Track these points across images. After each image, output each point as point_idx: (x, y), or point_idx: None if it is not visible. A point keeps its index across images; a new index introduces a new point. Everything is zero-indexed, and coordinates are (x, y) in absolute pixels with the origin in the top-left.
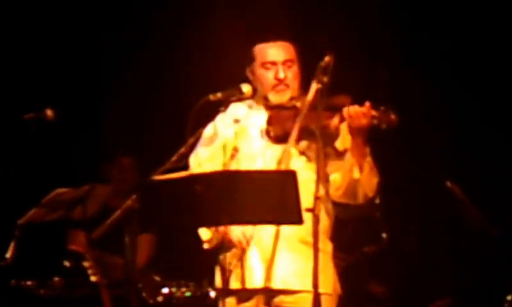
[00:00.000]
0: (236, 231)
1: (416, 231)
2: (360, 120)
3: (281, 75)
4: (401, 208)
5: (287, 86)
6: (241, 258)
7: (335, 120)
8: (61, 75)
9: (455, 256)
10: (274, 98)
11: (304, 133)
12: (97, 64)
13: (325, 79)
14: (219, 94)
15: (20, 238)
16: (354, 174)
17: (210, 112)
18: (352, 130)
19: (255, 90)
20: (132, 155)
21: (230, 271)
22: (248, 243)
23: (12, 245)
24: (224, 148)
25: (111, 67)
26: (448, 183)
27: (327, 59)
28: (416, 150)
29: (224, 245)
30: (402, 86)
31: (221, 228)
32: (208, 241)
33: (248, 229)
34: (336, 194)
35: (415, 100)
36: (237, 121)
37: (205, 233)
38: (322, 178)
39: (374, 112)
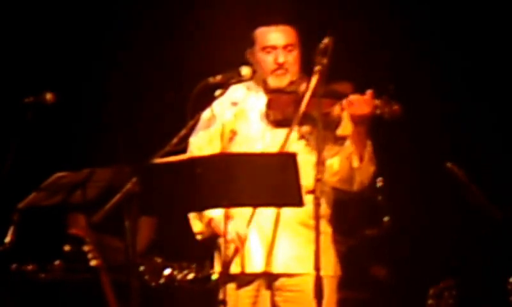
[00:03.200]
0: (231, 233)
1: (418, 213)
2: (361, 109)
3: (281, 60)
4: (403, 191)
5: (287, 70)
6: None
7: (337, 108)
8: (60, 59)
9: (458, 237)
10: (273, 82)
11: (305, 119)
12: (95, 46)
13: (324, 61)
14: (218, 77)
15: (19, 223)
16: (353, 162)
17: (210, 94)
18: (354, 119)
19: (254, 72)
20: (134, 142)
21: (229, 257)
22: (242, 244)
23: (11, 230)
24: (222, 131)
25: (109, 49)
26: (449, 164)
27: (326, 40)
28: (418, 132)
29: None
30: (404, 69)
31: (214, 224)
32: (200, 233)
33: (243, 229)
34: (332, 179)
35: (416, 82)
36: (234, 103)
37: (196, 225)
38: (322, 161)
39: (376, 101)
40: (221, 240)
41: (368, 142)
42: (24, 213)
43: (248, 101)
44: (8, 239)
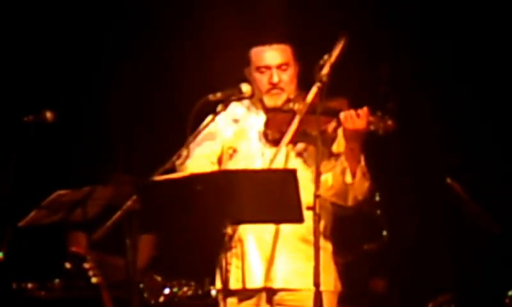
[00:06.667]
0: None
1: (417, 228)
2: (355, 124)
3: (275, 79)
4: (402, 205)
5: (282, 89)
6: (242, 258)
7: (332, 125)
8: (60, 77)
9: (456, 252)
10: (269, 102)
11: (301, 136)
12: (96, 65)
13: (324, 78)
14: (218, 94)
15: (11, 240)
16: (346, 178)
17: (210, 112)
18: (348, 134)
19: (254, 90)
20: (134, 160)
21: (229, 271)
22: None
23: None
24: (222, 146)
25: (110, 68)
26: (449, 180)
27: (326, 57)
28: (417, 147)
29: (225, 244)
30: (403, 82)
31: None
32: None
33: None
34: (326, 194)
35: (415, 97)
36: (236, 121)
37: None
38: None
39: (370, 118)
40: (222, 257)
41: (362, 159)
42: (24, 231)
43: (247, 120)
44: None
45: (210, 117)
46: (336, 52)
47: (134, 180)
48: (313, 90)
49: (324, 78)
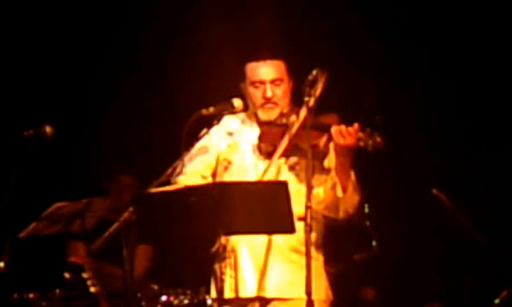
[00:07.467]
0: None
1: (405, 238)
2: (346, 140)
3: (269, 94)
4: (390, 217)
5: (276, 103)
6: (235, 268)
7: (323, 140)
8: (58, 92)
9: (444, 262)
10: (263, 116)
11: (294, 150)
12: (93, 81)
13: (313, 92)
14: (211, 109)
15: (11, 252)
16: (337, 192)
17: (203, 126)
18: (338, 149)
19: (246, 105)
20: (130, 173)
21: (223, 280)
22: None
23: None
24: (217, 158)
25: (107, 84)
26: (435, 191)
27: (314, 72)
28: (404, 160)
29: (219, 254)
30: (389, 97)
31: None
32: None
33: None
34: (318, 207)
35: (401, 111)
36: (230, 134)
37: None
38: (311, 190)
39: (360, 134)
40: (216, 266)
41: (352, 173)
42: (24, 242)
43: (242, 133)
44: (1, 265)
45: (204, 130)
46: (319, 89)
47: (135, 181)
48: (304, 110)
49: (311, 106)
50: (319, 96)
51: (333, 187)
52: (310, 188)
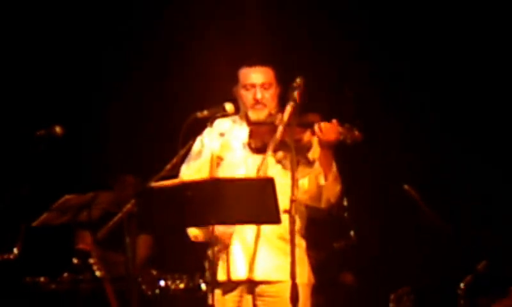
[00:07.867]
0: (220, 228)
1: (380, 228)
2: (328, 135)
3: (259, 96)
4: (366, 209)
5: (264, 105)
6: (226, 253)
7: (307, 134)
8: (69, 96)
9: (414, 250)
10: (253, 116)
11: (280, 146)
12: (98, 85)
13: (297, 97)
14: (205, 112)
15: (25, 239)
16: (320, 180)
17: (198, 126)
18: (322, 143)
19: (237, 108)
20: (133, 173)
21: (216, 264)
22: (229, 237)
23: (18, 244)
24: (211, 159)
25: (111, 89)
26: (406, 187)
27: (298, 80)
28: (378, 158)
29: (211, 240)
30: (365, 103)
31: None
32: (195, 236)
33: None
34: (303, 197)
35: (376, 115)
36: (222, 134)
37: (192, 230)
38: (296, 183)
39: (340, 129)
40: (209, 252)
41: (334, 164)
42: (36, 231)
43: (232, 132)
44: (15, 251)
45: (198, 138)
46: (295, 96)
47: (137, 180)
48: (288, 109)
49: (295, 106)
50: (302, 99)
51: (317, 177)
52: (294, 181)
